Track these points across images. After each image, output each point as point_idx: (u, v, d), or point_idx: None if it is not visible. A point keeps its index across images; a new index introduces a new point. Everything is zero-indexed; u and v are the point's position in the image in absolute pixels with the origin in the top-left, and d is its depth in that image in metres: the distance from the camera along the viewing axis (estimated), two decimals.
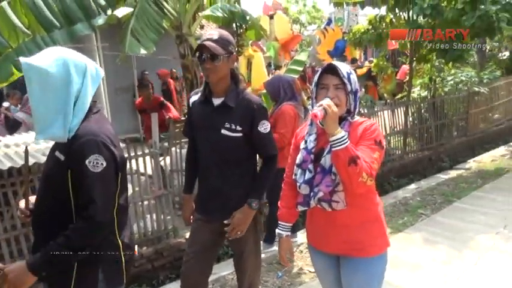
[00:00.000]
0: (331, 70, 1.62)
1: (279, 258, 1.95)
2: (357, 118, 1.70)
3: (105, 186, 1.43)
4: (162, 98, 6.17)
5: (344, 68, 1.62)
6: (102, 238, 1.46)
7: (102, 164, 1.40)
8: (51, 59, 1.41)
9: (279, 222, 1.87)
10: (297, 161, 1.71)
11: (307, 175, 1.65)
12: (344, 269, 1.74)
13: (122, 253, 1.55)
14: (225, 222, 2.06)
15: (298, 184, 1.69)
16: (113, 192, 1.48)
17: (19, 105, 5.96)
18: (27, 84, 1.39)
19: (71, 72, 1.41)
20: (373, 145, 1.58)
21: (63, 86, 1.40)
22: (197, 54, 1.95)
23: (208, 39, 1.91)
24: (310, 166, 1.65)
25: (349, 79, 1.61)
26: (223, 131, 2.00)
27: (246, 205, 2.05)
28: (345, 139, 1.50)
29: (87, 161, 1.38)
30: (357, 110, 1.69)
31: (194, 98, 2.15)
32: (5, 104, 6.13)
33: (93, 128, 1.45)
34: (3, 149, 3.27)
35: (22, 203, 1.64)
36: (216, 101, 2.03)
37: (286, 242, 1.88)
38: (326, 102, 1.52)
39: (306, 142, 1.70)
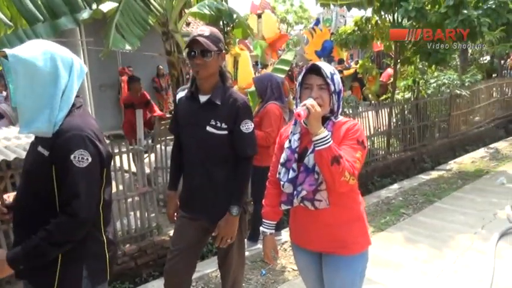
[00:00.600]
0: (315, 70, 1.64)
1: (264, 255, 1.96)
2: (340, 118, 1.72)
3: (89, 182, 1.41)
4: (149, 97, 6.12)
5: (327, 68, 1.65)
6: (86, 234, 1.44)
7: (87, 159, 1.39)
8: (38, 52, 1.38)
9: (263, 220, 1.88)
10: (281, 160, 1.72)
11: (291, 174, 1.67)
12: (326, 267, 1.76)
13: (106, 249, 1.53)
14: (213, 234, 2.09)
15: (281, 183, 1.71)
16: (97, 188, 1.46)
17: (4, 92, 5.73)
18: (13, 77, 1.36)
19: (58, 67, 1.39)
20: (355, 145, 1.60)
21: (52, 81, 1.38)
22: (187, 50, 1.95)
23: (199, 35, 1.91)
24: (294, 165, 1.67)
25: (332, 79, 1.63)
26: (208, 128, 1.99)
27: (228, 213, 2.05)
28: (328, 139, 1.53)
29: (72, 156, 1.36)
30: (340, 110, 1.71)
31: (181, 94, 2.14)
32: None
33: (78, 122, 1.43)
34: None
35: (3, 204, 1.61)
36: (203, 98, 2.03)
37: (270, 240, 1.89)
38: (309, 102, 1.55)
39: (290, 141, 1.72)
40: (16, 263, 1.38)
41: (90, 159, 1.39)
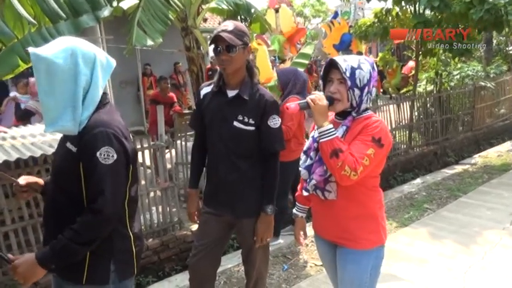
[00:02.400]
0: (336, 65, 1.63)
1: (294, 237, 2.00)
2: (365, 114, 1.68)
3: (115, 179, 1.40)
4: (175, 99, 6.22)
5: (348, 62, 1.61)
6: (112, 230, 1.45)
7: (113, 156, 1.38)
8: (59, 49, 1.38)
9: (296, 203, 1.96)
10: (304, 148, 1.77)
11: (308, 162, 1.72)
12: (338, 258, 1.77)
13: (133, 244, 1.54)
14: (254, 239, 2.10)
15: (300, 169, 1.76)
16: (123, 184, 1.46)
17: (27, 95, 5.83)
18: (36, 75, 1.37)
19: (79, 63, 1.37)
20: (368, 141, 1.57)
21: (71, 77, 1.37)
22: (213, 46, 1.93)
23: (223, 31, 1.89)
24: (312, 153, 1.71)
25: (351, 75, 1.59)
26: (235, 123, 1.98)
27: (263, 213, 2.05)
28: (331, 132, 1.55)
29: (98, 153, 1.36)
30: (363, 105, 1.66)
31: (206, 90, 2.13)
32: (12, 94, 6.04)
33: (104, 119, 1.43)
34: (10, 141, 3.27)
35: (22, 179, 1.62)
36: (231, 93, 2.01)
37: (300, 222, 1.97)
38: (313, 96, 1.59)
39: (314, 131, 1.75)
40: (47, 264, 1.39)
41: (115, 156, 1.39)
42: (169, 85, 6.23)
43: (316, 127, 1.62)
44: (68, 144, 1.45)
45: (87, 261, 1.45)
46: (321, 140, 1.57)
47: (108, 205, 1.37)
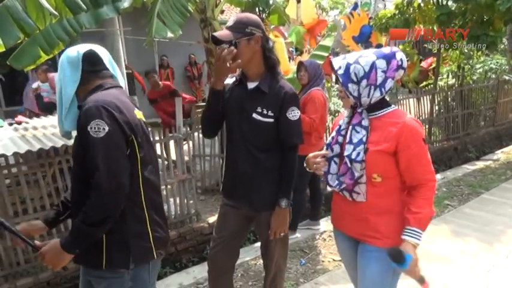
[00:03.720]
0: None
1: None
2: (389, 110, 1.63)
3: (108, 152, 1.37)
4: (173, 87, 5.92)
5: (345, 60, 1.60)
6: (126, 212, 1.45)
7: (104, 128, 1.37)
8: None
9: None
10: (327, 141, 1.75)
11: (329, 154, 1.70)
12: (359, 255, 1.73)
13: (149, 228, 1.53)
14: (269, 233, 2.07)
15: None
16: (120, 157, 1.41)
17: (47, 82, 5.86)
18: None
19: (64, 69, 1.52)
20: (422, 148, 1.59)
21: (59, 84, 1.54)
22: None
23: (224, 28, 1.90)
24: (335, 147, 1.69)
25: (346, 70, 1.58)
26: (254, 115, 1.96)
27: (277, 206, 2.02)
28: (419, 235, 1.59)
29: (88, 127, 1.36)
30: (364, 99, 1.60)
31: (228, 81, 2.11)
32: (34, 85, 6.09)
33: (95, 98, 1.45)
34: (31, 131, 3.32)
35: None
36: (251, 85, 1.99)
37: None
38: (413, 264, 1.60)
39: (340, 125, 1.73)
40: (70, 249, 1.42)
41: (106, 129, 1.37)
42: (156, 75, 5.83)
43: (342, 122, 1.62)
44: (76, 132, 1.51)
45: (104, 245, 1.46)
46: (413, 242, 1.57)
47: (104, 178, 1.35)
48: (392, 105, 1.66)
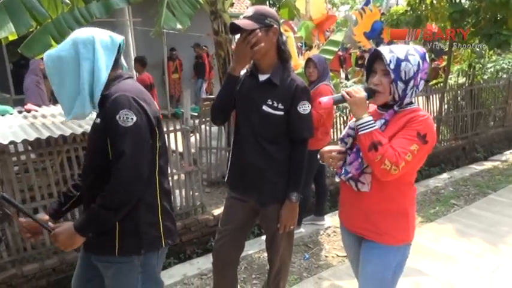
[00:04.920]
0: (380, 56, 1.55)
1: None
2: (409, 107, 1.60)
3: (135, 141, 1.40)
4: (151, 81, 5.99)
5: (394, 54, 1.52)
6: (139, 199, 1.46)
7: (132, 118, 1.39)
8: (64, 43, 1.47)
9: None
10: (341, 136, 1.75)
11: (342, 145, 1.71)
12: (362, 251, 1.74)
13: (160, 217, 1.55)
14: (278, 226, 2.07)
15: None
16: (144, 148, 1.44)
17: None
18: (48, 73, 1.47)
19: (80, 50, 1.43)
20: (413, 136, 1.50)
21: (76, 66, 1.44)
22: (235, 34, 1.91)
23: (239, 19, 1.88)
24: (347, 139, 1.70)
25: (396, 67, 1.51)
26: (264, 108, 1.95)
27: (287, 200, 2.02)
28: (370, 124, 1.51)
29: (117, 117, 1.38)
30: (407, 99, 1.58)
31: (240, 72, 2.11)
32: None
33: (124, 86, 1.47)
34: (40, 119, 3.34)
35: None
36: (262, 77, 1.99)
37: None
38: (349, 89, 1.56)
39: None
40: (84, 231, 1.44)
41: (134, 119, 1.40)
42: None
43: (354, 119, 1.57)
44: (96, 119, 1.51)
45: (117, 232, 1.48)
46: (359, 133, 1.52)
47: (127, 166, 1.38)
48: (414, 103, 1.64)
